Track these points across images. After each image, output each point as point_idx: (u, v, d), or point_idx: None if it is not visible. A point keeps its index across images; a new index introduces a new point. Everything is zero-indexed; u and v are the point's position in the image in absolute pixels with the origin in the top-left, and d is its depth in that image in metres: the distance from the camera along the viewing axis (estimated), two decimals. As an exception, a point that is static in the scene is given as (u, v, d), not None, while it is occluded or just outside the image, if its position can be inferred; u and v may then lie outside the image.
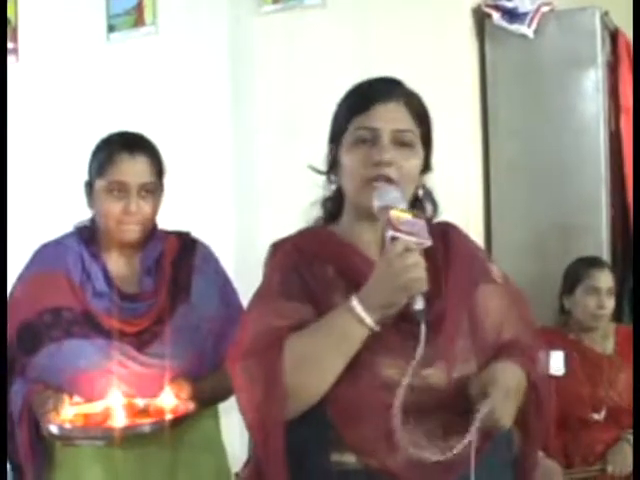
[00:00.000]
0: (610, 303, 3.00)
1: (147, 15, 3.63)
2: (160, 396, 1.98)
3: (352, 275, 1.59)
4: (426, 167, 1.69)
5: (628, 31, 3.38)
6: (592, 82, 3.28)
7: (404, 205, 1.56)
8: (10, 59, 4.14)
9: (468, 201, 3.29)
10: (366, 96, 1.64)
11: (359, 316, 1.51)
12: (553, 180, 3.31)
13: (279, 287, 1.63)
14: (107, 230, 2.12)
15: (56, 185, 3.73)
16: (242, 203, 3.31)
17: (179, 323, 2.10)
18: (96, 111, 3.69)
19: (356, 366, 1.54)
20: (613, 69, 3.42)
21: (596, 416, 2.90)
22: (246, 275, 2.91)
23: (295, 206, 3.10)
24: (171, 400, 1.97)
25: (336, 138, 1.68)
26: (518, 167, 3.38)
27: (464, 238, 1.75)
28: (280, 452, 1.54)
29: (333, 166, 1.70)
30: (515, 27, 3.35)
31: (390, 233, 1.51)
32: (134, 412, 1.96)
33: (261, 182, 3.28)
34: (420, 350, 1.48)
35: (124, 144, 2.11)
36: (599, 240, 3.28)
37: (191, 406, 1.97)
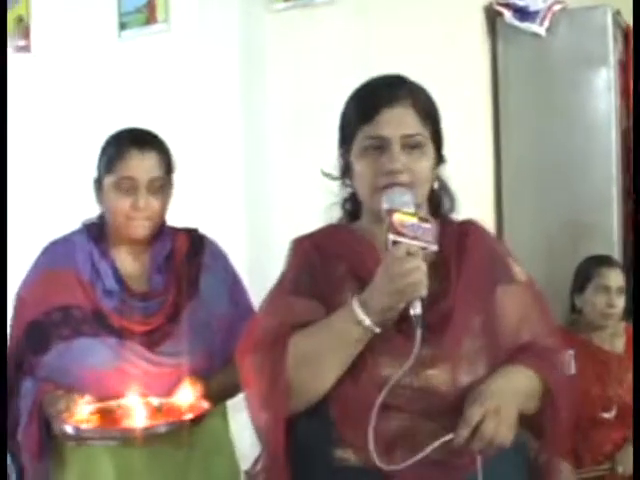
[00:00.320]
0: (620, 302, 2.99)
1: (159, 13, 3.63)
2: (175, 395, 1.98)
3: (363, 274, 1.59)
4: (439, 160, 1.68)
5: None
6: (604, 80, 3.27)
7: (412, 208, 1.55)
8: (22, 56, 4.15)
9: (479, 199, 3.28)
10: (372, 102, 1.62)
11: (358, 318, 1.52)
12: (564, 178, 3.31)
13: (291, 284, 1.65)
14: (116, 226, 2.11)
15: (68, 182, 3.73)
16: (253, 200, 3.31)
17: (189, 321, 2.10)
18: (107, 108, 3.70)
19: (357, 365, 1.55)
20: (625, 67, 3.42)
21: (606, 415, 2.89)
22: (258, 272, 2.93)
23: (306, 203, 3.12)
24: (187, 399, 1.97)
25: (346, 143, 1.68)
26: (529, 165, 3.38)
27: (485, 237, 1.73)
28: (281, 446, 1.56)
29: (346, 170, 1.71)
30: (526, 25, 3.35)
31: (391, 237, 1.51)
32: (149, 412, 1.95)
33: (272, 179, 3.28)
34: (414, 355, 1.48)
35: (133, 140, 2.11)
36: (610, 239, 3.28)
37: (205, 405, 1.97)
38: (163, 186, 2.11)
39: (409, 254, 1.49)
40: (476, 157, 3.38)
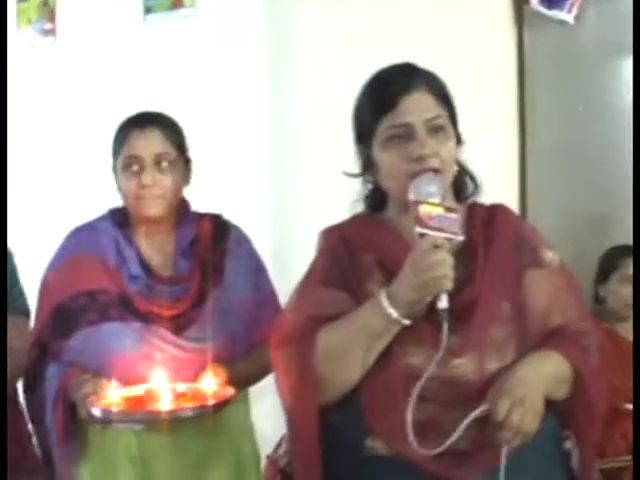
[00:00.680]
0: (645, 292, 2.98)
1: (185, -3, 3.63)
2: (201, 380, 1.99)
3: (391, 265, 1.60)
4: (457, 142, 1.68)
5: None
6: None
7: (439, 198, 1.55)
8: (47, 40, 4.16)
9: (503, 188, 3.26)
10: (389, 92, 1.62)
11: (386, 311, 1.52)
12: (590, 168, 3.28)
13: (320, 275, 1.66)
14: (130, 208, 2.13)
15: (92, 167, 3.75)
16: (277, 187, 3.31)
17: (214, 307, 2.11)
18: (132, 93, 3.69)
19: (386, 355, 1.56)
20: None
21: (629, 406, 2.88)
22: (281, 259, 2.94)
23: (330, 191, 3.11)
24: (211, 385, 1.97)
25: (365, 139, 1.67)
26: (555, 155, 3.35)
27: (512, 222, 1.73)
28: (313, 437, 1.58)
29: (366, 166, 1.70)
30: (554, 13, 3.31)
31: (418, 229, 1.51)
32: (174, 396, 1.96)
33: (297, 166, 3.28)
34: (442, 348, 1.48)
35: (133, 121, 2.14)
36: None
37: (231, 391, 1.98)
38: (173, 162, 2.11)
39: (435, 246, 1.49)
40: (501, 147, 3.36)
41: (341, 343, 1.56)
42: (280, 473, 2.71)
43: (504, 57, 3.40)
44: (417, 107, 1.61)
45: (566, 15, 3.29)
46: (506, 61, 3.40)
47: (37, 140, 4.09)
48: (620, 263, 2.99)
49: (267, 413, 2.55)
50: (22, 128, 4.04)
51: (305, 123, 3.25)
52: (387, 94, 1.62)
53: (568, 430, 1.70)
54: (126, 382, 1.99)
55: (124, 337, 2.05)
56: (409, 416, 1.49)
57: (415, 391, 1.49)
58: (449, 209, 1.55)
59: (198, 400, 1.95)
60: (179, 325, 2.08)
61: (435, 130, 1.61)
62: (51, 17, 4.13)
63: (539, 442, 1.57)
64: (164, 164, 2.09)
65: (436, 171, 1.58)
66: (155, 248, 2.16)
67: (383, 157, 1.63)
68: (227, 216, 2.28)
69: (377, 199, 1.73)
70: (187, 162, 2.19)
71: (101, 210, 2.24)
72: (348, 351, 1.55)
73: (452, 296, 1.52)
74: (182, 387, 1.99)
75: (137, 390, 1.98)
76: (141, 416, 1.93)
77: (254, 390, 2.29)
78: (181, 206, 2.19)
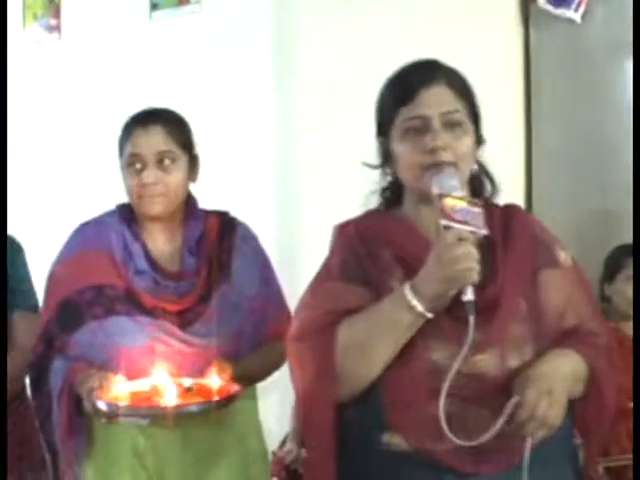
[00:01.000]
0: (651, 291, 2.97)
1: (191, -7, 3.62)
2: (206, 376, 1.99)
3: (409, 260, 1.60)
4: (478, 141, 1.69)
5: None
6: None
7: (461, 192, 1.55)
8: (52, 36, 4.16)
9: (509, 186, 3.24)
10: (408, 84, 1.64)
11: (410, 304, 1.51)
12: (596, 166, 3.28)
13: (337, 270, 1.65)
14: (134, 206, 2.13)
15: (98, 162, 3.75)
16: (284, 184, 3.30)
17: (220, 303, 2.11)
18: (137, 89, 3.70)
19: (407, 349, 1.55)
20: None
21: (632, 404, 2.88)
22: (287, 256, 2.94)
23: (337, 187, 3.11)
24: (217, 380, 1.97)
25: (384, 130, 1.68)
26: (561, 153, 3.35)
27: (529, 222, 1.74)
28: (330, 432, 1.57)
29: (386, 158, 1.70)
30: (561, 11, 3.31)
31: (443, 222, 1.51)
32: (180, 392, 1.96)
33: (304, 163, 3.27)
34: (468, 342, 1.48)
35: (135, 119, 2.14)
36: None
37: (236, 387, 1.97)
38: (176, 160, 2.11)
39: (460, 239, 1.49)
40: (507, 145, 3.35)
41: (363, 336, 1.55)
42: (285, 470, 2.72)
43: (511, 55, 3.40)
44: (435, 100, 1.62)
45: (573, 13, 3.29)
46: (513, 59, 3.41)
47: (43, 136, 4.09)
48: (626, 262, 2.98)
49: (272, 410, 2.55)
50: (28, 124, 4.04)
51: (311, 119, 3.25)
52: (407, 86, 1.64)
53: (576, 428, 1.69)
54: (132, 377, 1.99)
55: (130, 332, 2.05)
56: (441, 412, 1.48)
57: (445, 386, 1.48)
58: (473, 203, 1.55)
59: (204, 396, 1.95)
60: (185, 320, 2.08)
61: (451, 124, 1.62)
62: (57, 13, 4.13)
63: (557, 439, 1.58)
64: (166, 162, 2.09)
65: (449, 165, 1.58)
66: (162, 244, 2.16)
67: (400, 148, 1.64)
68: (232, 213, 2.28)
69: (394, 193, 1.74)
70: (193, 159, 2.18)
71: (108, 205, 2.24)
72: (370, 344, 1.55)
73: (475, 292, 1.52)
74: (188, 382, 1.99)
75: (143, 385, 1.98)
76: (147, 411, 1.93)
77: (259, 387, 2.29)
78: (188, 203, 2.19)
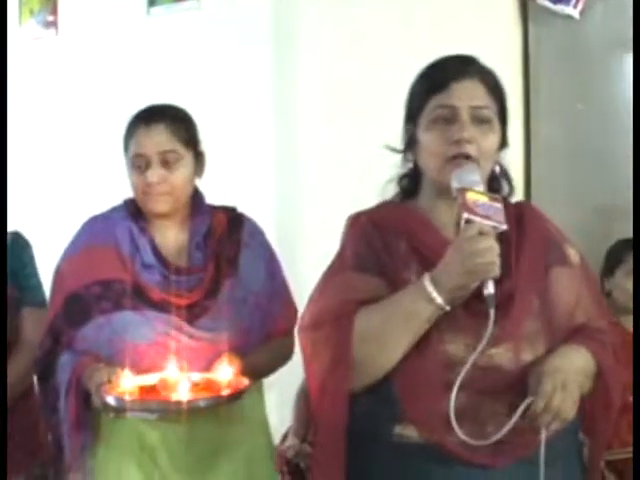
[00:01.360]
0: (651, 286, 2.98)
1: (189, -11, 3.62)
2: (214, 370, 1.99)
3: (425, 252, 1.60)
4: (503, 143, 1.70)
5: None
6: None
7: (482, 187, 1.56)
8: (49, 32, 4.15)
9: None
10: (442, 75, 1.66)
11: (430, 296, 1.52)
12: (595, 162, 3.28)
13: (352, 260, 1.66)
14: (140, 203, 2.13)
15: (97, 161, 3.74)
16: (284, 179, 3.31)
17: (227, 297, 2.11)
18: (135, 85, 3.69)
19: (423, 342, 1.56)
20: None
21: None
22: (287, 250, 2.94)
23: (337, 182, 3.11)
24: (226, 375, 1.97)
25: (413, 117, 1.70)
26: (560, 149, 3.35)
27: (541, 220, 1.75)
28: (343, 422, 1.57)
29: (410, 145, 1.71)
30: (560, 7, 3.31)
31: (465, 215, 1.52)
32: (189, 386, 1.95)
33: (303, 158, 3.27)
34: (487, 335, 1.49)
35: (139, 116, 2.13)
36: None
37: (245, 382, 1.98)
38: (180, 159, 2.10)
39: (481, 233, 1.50)
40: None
41: (380, 326, 1.56)
42: (287, 464, 2.72)
43: (510, 51, 3.40)
44: (466, 93, 1.64)
45: (572, 10, 3.29)
46: (511, 55, 3.41)
47: (42, 132, 4.08)
48: (626, 257, 2.99)
49: (273, 405, 2.55)
50: (27, 120, 4.03)
51: (311, 116, 3.25)
52: (440, 76, 1.66)
53: (582, 426, 1.71)
54: (139, 371, 1.99)
55: (138, 326, 2.04)
56: (452, 404, 1.49)
57: (458, 379, 1.50)
58: (494, 198, 1.57)
59: (212, 390, 1.95)
60: (193, 314, 2.08)
61: (480, 120, 1.64)
62: (54, 9, 4.13)
63: (567, 432, 1.60)
64: (170, 161, 2.09)
65: (470, 158, 1.59)
66: (169, 238, 2.17)
67: (426, 137, 1.66)
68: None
69: (412, 181, 1.75)
70: (199, 155, 2.18)
71: (114, 201, 2.23)
72: (387, 334, 1.55)
73: None
74: (196, 377, 1.99)
75: (151, 379, 1.98)
76: (155, 405, 1.93)
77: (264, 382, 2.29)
78: (195, 198, 2.19)
